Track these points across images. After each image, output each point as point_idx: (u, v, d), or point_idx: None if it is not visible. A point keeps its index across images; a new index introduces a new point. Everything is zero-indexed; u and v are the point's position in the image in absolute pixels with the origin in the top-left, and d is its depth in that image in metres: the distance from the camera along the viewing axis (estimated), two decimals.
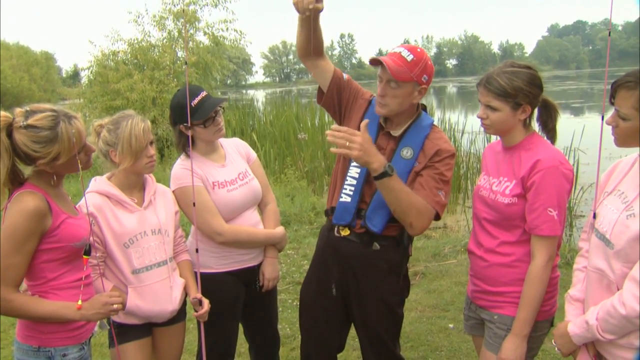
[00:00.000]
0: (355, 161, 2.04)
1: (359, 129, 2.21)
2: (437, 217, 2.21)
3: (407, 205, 2.09)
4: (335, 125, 2.06)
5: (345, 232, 2.31)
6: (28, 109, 1.82)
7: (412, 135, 2.25)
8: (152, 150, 2.24)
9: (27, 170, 1.87)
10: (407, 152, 2.22)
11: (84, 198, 2.07)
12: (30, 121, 1.77)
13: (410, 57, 2.12)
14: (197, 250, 2.33)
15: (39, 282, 1.86)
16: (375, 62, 2.15)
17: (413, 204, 2.10)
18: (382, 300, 2.32)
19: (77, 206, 2.12)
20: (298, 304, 3.67)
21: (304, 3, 1.98)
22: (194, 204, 2.27)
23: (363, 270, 2.30)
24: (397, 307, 2.38)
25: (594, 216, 1.80)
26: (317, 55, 2.30)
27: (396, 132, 2.26)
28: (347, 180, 2.30)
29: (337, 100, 2.38)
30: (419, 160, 2.21)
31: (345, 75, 2.39)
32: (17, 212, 1.75)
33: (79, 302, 1.84)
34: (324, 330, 2.44)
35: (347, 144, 1.98)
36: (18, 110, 1.81)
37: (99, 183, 2.24)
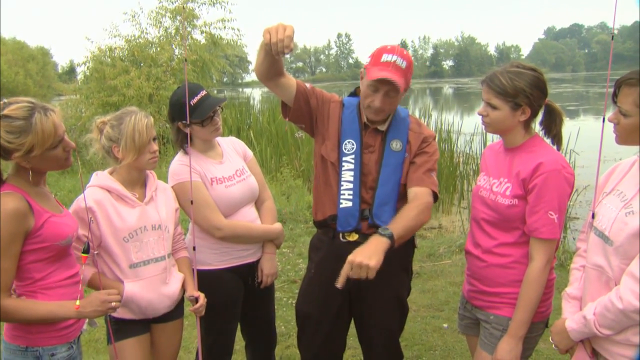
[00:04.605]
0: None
1: (338, 132, 2.30)
2: (436, 197, 2.28)
3: (417, 225, 2.19)
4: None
5: (353, 237, 2.27)
6: (6, 101, 1.76)
7: (396, 127, 2.32)
8: (155, 146, 2.24)
9: (6, 170, 1.81)
10: (396, 145, 2.29)
11: (83, 193, 2.05)
12: (5, 111, 1.71)
13: (404, 64, 2.16)
14: (194, 248, 2.33)
15: (26, 282, 1.82)
16: (383, 82, 2.11)
17: (419, 219, 2.17)
18: (395, 297, 2.35)
19: (76, 200, 2.11)
20: (293, 302, 3.68)
21: (279, 47, 1.95)
22: (191, 202, 2.27)
23: (377, 271, 2.29)
24: (405, 301, 2.44)
25: (593, 216, 1.81)
26: (278, 75, 2.26)
27: (383, 127, 2.31)
28: (342, 185, 2.27)
29: (307, 108, 2.35)
30: (408, 151, 2.29)
31: (308, 84, 2.39)
32: None
33: (77, 303, 1.80)
34: (332, 343, 2.42)
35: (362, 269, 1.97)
36: None
37: (101, 177, 2.23)
